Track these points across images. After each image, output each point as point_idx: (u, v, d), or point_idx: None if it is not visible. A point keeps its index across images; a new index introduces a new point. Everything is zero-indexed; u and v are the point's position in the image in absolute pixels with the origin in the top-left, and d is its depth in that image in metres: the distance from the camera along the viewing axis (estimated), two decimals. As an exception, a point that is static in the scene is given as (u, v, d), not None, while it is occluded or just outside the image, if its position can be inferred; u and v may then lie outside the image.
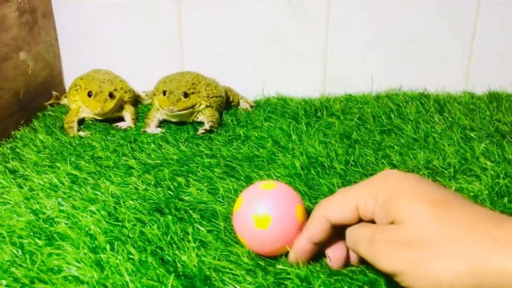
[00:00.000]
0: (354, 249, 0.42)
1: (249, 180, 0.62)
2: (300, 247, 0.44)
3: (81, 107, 0.81)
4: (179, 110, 0.76)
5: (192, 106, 0.78)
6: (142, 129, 0.78)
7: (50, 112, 0.87)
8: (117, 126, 0.81)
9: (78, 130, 0.79)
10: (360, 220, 0.42)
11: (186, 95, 0.77)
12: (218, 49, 0.94)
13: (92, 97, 0.78)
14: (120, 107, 0.82)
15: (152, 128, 0.79)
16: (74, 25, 0.94)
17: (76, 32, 0.94)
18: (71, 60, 0.96)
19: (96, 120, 0.83)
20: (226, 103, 0.88)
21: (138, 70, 0.94)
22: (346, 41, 0.93)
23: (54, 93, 0.91)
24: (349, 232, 0.43)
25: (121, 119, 0.83)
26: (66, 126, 0.79)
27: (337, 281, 0.43)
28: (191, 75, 0.82)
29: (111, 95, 0.78)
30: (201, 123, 0.81)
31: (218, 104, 0.83)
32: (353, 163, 0.65)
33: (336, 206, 0.43)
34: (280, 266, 0.44)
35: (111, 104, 0.78)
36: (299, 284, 0.42)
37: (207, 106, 0.80)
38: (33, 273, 0.44)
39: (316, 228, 0.43)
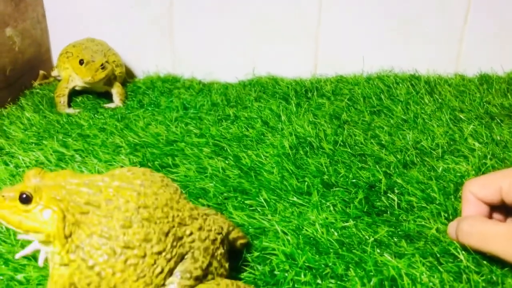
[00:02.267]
0: (478, 244, 0.40)
1: (237, 160, 0.61)
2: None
3: (71, 76, 0.80)
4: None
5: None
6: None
7: (38, 90, 0.86)
8: (105, 106, 0.80)
9: (69, 107, 0.79)
10: (501, 203, 0.42)
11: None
12: (209, 28, 0.93)
13: (84, 65, 0.77)
14: (109, 80, 0.81)
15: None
16: (62, 1, 0.92)
17: (64, 9, 0.93)
18: (60, 37, 0.94)
19: (85, 92, 0.82)
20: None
21: (127, 48, 0.93)
22: (338, 22, 0.92)
23: (41, 72, 0.90)
24: (468, 226, 0.41)
25: (109, 93, 0.82)
26: (57, 100, 0.78)
27: (323, 258, 0.43)
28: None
29: (102, 66, 0.78)
30: None
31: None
32: (341, 143, 0.65)
33: (480, 184, 0.43)
34: (266, 242, 0.44)
35: (102, 74, 0.78)
36: (284, 260, 0.42)
37: None
38: (17, 249, 0.44)
39: (465, 204, 0.44)
